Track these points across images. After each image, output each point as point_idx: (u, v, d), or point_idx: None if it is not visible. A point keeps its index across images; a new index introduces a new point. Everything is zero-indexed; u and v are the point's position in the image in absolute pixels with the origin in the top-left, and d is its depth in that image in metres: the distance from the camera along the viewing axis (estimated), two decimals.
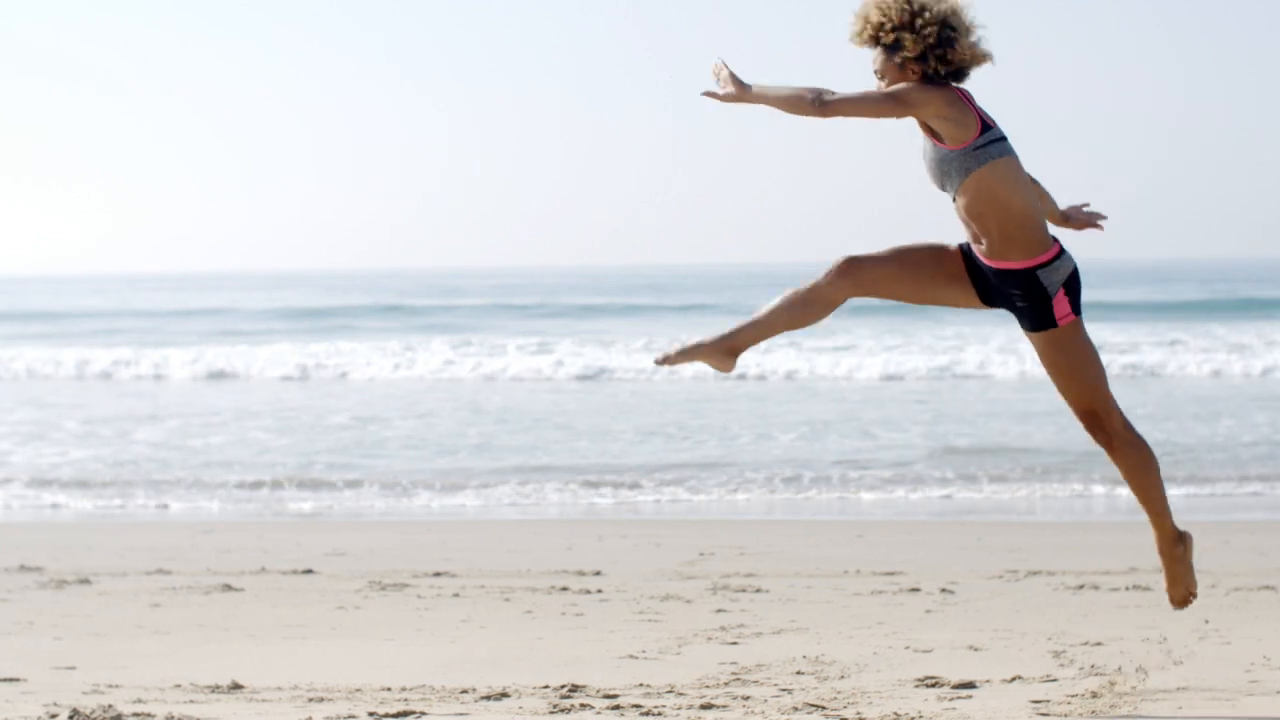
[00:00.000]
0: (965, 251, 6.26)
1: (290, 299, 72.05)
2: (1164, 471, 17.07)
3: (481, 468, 17.38)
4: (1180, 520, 6.67)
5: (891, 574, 10.44)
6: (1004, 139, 6.12)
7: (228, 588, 10.02)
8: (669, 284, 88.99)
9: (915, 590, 9.75)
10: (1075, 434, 19.36)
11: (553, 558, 11.30)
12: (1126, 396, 24.51)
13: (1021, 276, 6.13)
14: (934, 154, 6.13)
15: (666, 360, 6.35)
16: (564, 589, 9.90)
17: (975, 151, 6.05)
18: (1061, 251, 6.15)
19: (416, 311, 57.14)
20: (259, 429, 21.31)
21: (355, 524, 14.11)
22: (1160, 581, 9.99)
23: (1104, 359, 30.32)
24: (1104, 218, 6.66)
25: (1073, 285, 6.16)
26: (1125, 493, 15.38)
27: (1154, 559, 10.89)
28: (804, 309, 6.30)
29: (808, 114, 6.03)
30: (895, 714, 6.33)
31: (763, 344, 6.52)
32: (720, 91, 6.05)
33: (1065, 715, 6.31)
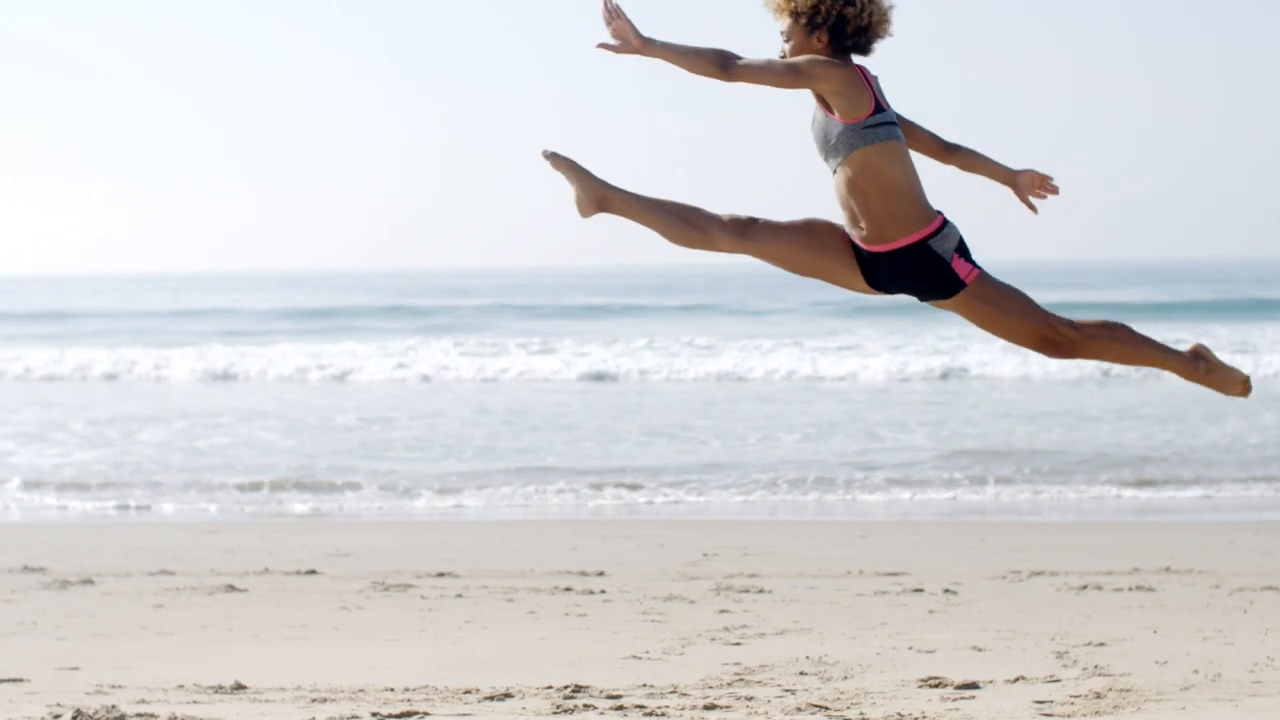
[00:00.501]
0: (854, 244, 6.26)
1: (293, 299, 72.07)
2: (1170, 473, 16.93)
3: (485, 469, 17.38)
4: (1183, 380, 6.48)
5: (895, 574, 10.43)
6: (894, 124, 6.12)
7: (231, 588, 10.02)
8: (672, 284, 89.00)
9: (918, 591, 9.75)
10: (1080, 434, 19.37)
11: (556, 558, 11.30)
12: (1130, 396, 24.55)
13: (915, 251, 6.12)
14: (823, 124, 6.14)
15: (552, 157, 6.22)
16: (567, 589, 9.90)
17: (863, 130, 6.05)
18: (946, 222, 6.14)
19: (420, 312, 57.16)
20: (263, 430, 21.31)
21: (358, 525, 14.11)
22: (1164, 582, 9.99)
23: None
24: (1054, 192, 6.53)
25: (963, 248, 6.16)
26: (1128, 493, 15.37)
27: (1157, 559, 10.90)
28: (685, 228, 6.23)
29: (711, 76, 6.00)
30: (899, 714, 6.33)
31: (627, 221, 6.36)
32: (615, 43, 5.98)
33: (1068, 716, 6.31)
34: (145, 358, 34.44)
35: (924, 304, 6.37)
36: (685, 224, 6.21)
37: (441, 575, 10.49)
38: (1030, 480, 16.06)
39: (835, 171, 6.11)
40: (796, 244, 6.21)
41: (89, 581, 10.29)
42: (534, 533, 13.12)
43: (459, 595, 9.72)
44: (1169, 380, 28.04)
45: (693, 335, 39.13)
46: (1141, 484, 15.70)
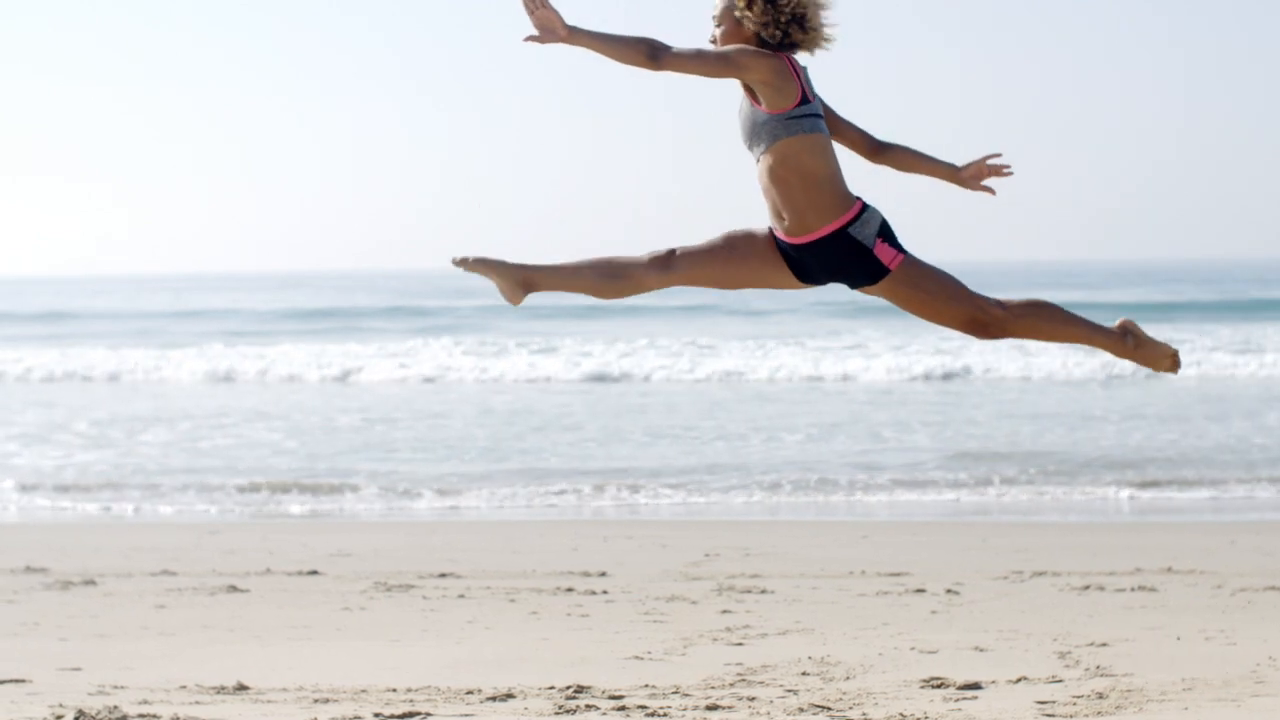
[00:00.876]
0: (776, 239, 6.29)
1: (295, 300, 72.06)
2: (1174, 473, 16.92)
3: (487, 469, 17.38)
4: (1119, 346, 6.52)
5: (897, 575, 10.43)
6: (819, 116, 6.16)
7: (233, 589, 10.02)
8: None
9: (921, 591, 9.74)
10: (1083, 435, 19.35)
11: (558, 559, 11.29)
12: (1133, 397, 24.54)
13: (836, 240, 6.16)
14: (749, 114, 6.19)
15: (463, 263, 6.31)
16: (569, 590, 9.89)
17: (788, 120, 6.10)
18: (865, 207, 6.18)
19: (421, 312, 57.17)
20: (265, 430, 21.31)
21: (360, 525, 14.11)
22: (1167, 582, 9.98)
23: (1105, 360, 30.38)
24: (1008, 171, 6.53)
25: (887, 232, 6.19)
26: (1127, 494, 15.36)
27: (1159, 560, 10.90)
28: (612, 281, 6.31)
29: (639, 65, 6.03)
30: (901, 715, 6.33)
31: (559, 293, 6.47)
32: (538, 33, 5.97)
33: (1071, 716, 6.30)
34: (147, 359, 34.45)
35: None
36: (610, 277, 6.30)
37: (444, 576, 10.48)
38: (1034, 481, 16.04)
39: (758, 160, 6.18)
40: (719, 261, 6.28)
41: (91, 582, 10.29)
42: (536, 533, 13.12)
43: (461, 596, 9.72)
44: (1172, 380, 28.04)
45: (694, 335, 39.14)
46: (1144, 485, 15.68)
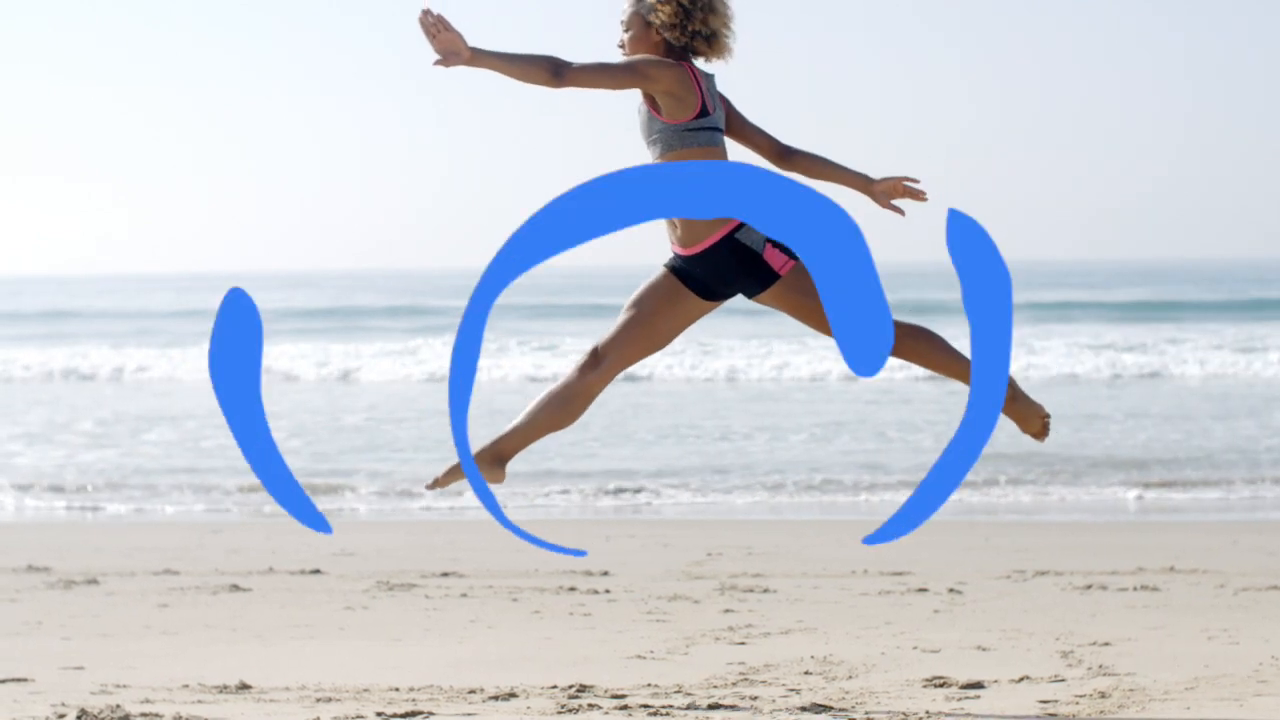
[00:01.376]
0: (672, 266, 6.39)
1: (295, 299, 72.05)
2: (1179, 472, 16.94)
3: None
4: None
5: (899, 574, 10.43)
6: (716, 129, 6.23)
7: (235, 588, 10.02)
8: None
9: (923, 590, 9.74)
10: (1087, 435, 19.34)
11: (560, 558, 11.28)
12: (1137, 397, 24.52)
13: (724, 246, 6.24)
14: (646, 118, 6.29)
15: (437, 484, 6.52)
16: (572, 589, 9.89)
17: (684, 133, 6.20)
18: None
19: (423, 311, 57.16)
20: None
21: (363, 524, 14.11)
22: (1169, 582, 9.98)
23: (1109, 359, 30.26)
24: (919, 198, 6.54)
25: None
26: (1131, 494, 15.35)
27: (1161, 559, 10.89)
28: (564, 408, 6.51)
29: (542, 83, 6.11)
30: (903, 714, 6.33)
31: (531, 446, 6.69)
32: (441, 55, 6.01)
33: (1073, 715, 6.30)
34: (149, 358, 34.45)
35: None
36: (560, 406, 6.51)
37: (446, 575, 10.49)
38: (1038, 481, 16.03)
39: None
40: (636, 331, 6.45)
41: (93, 581, 10.29)
42: (538, 532, 13.09)
43: (464, 595, 9.72)
44: (1176, 380, 28.04)
45: (696, 334, 39.12)
46: (1149, 484, 15.67)
